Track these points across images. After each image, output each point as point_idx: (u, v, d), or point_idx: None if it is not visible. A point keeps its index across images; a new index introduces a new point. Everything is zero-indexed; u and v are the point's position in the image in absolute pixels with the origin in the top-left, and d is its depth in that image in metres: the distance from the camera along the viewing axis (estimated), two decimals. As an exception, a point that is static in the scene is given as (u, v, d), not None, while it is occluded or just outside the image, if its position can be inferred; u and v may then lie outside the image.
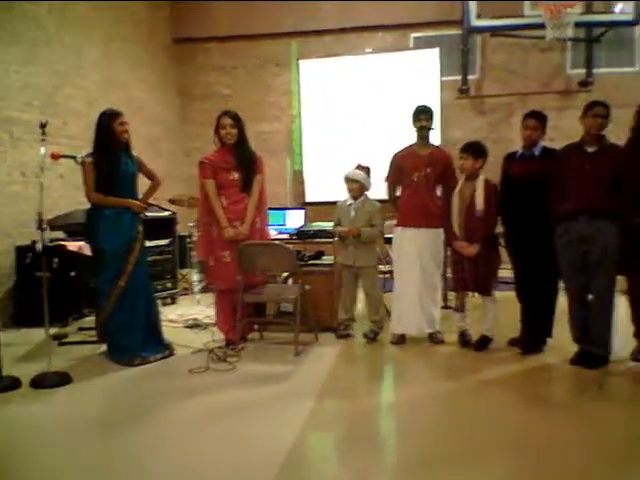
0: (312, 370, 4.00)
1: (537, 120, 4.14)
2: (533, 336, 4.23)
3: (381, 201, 4.75)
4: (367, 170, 4.73)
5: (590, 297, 3.77)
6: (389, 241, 4.90)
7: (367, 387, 3.75)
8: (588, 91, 7.68)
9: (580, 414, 3.17)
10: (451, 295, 4.80)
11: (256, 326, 4.89)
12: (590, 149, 3.82)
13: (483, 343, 4.33)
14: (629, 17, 6.94)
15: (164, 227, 6.32)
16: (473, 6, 7.13)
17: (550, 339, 4.24)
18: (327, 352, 4.40)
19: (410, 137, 4.62)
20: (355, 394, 3.56)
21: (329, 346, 4.55)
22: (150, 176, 4.50)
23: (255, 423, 3.11)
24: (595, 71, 7.79)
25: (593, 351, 3.85)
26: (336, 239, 4.83)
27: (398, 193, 4.69)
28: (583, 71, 7.83)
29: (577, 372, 3.80)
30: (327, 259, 5.07)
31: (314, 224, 5.53)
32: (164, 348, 4.37)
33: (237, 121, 4.47)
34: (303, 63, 8.04)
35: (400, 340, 4.59)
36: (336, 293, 4.83)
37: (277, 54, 8.49)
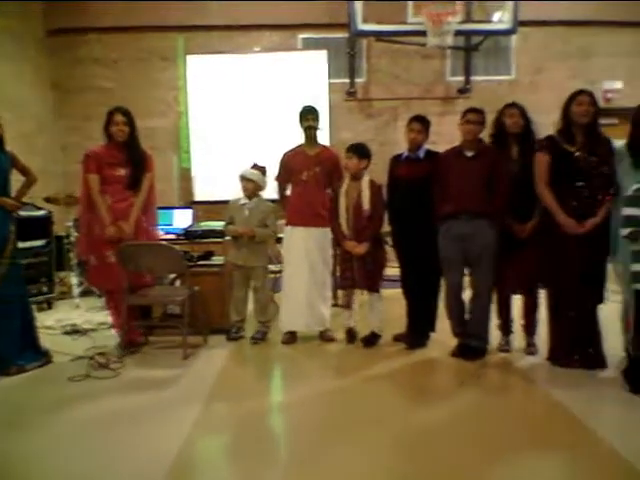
0: (200, 373, 3.91)
1: (421, 124, 4.30)
2: (418, 331, 4.39)
3: (272, 201, 4.74)
4: (263, 170, 4.69)
5: (469, 293, 3.98)
6: (280, 240, 4.90)
7: (257, 388, 3.72)
8: (467, 97, 8.08)
9: (460, 404, 3.32)
10: (340, 293, 4.87)
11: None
12: (468, 153, 4.02)
13: (372, 340, 4.43)
14: (506, 26, 7.35)
15: (39, 227, 5.93)
16: (359, 10, 7.27)
17: (434, 333, 4.41)
18: (217, 354, 4.31)
19: (300, 137, 4.65)
20: (244, 396, 3.52)
21: (219, 348, 4.47)
22: (24, 172, 4.21)
23: (140, 430, 2.99)
24: (473, 78, 8.21)
25: (472, 344, 4.05)
26: (227, 239, 4.75)
27: (288, 192, 4.70)
28: (462, 78, 8.23)
29: (458, 364, 3.98)
30: (217, 259, 4.97)
31: (203, 224, 5.42)
32: (42, 356, 4.10)
33: (129, 118, 4.32)
34: (191, 59, 7.85)
35: (290, 339, 4.59)
36: (227, 294, 4.75)
37: (164, 48, 8.23)
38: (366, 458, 2.67)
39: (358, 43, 8.14)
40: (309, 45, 8.21)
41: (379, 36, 7.75)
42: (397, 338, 4.48)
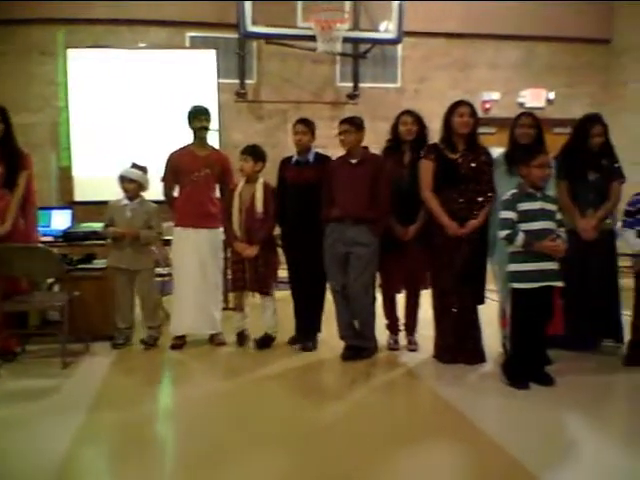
0: (82, 382, 3.70)
1: (305, 125, 4.34)
2: (307, 333, 4.42)
3: (156, 202, 4.57)
4: (144, 170, 4.52)
5: (351, 296, 4.05)
6: (168, 243, 4.74)
7: (144, 394, 3.57)
8: (355, 104, 8.26)
9: (350, 402, 3.37)
10: (232, 296, 4.80)
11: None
12: (353, 160, 4.10)
13: (265, 342, 4.40)
14: (391, 36, 7.59)
15: None
16: (248, 12, 7.22)
17: (320, 334, 4.45)
18: (100, 362, 4.10)
19: (186, 137, 4.53)
20: (131, 402, 3.37)
21: (103, 356, 4.25)
22: None
23: (17, 442, 2.78)
24: (361, 85, 8.40)
25: (359, 345, 4.13)
26: (109, 241, 4.53)
27: (176, 194, 4.57)
28: (351, 84, 8.40)
29: (348, 364, 4.04)
30: (99, 263, 4.73)
31: (83, 225, 5.14)
32: None
33: (4, 114, 4.05)
34: (72, 53, 7.43)
35: (179, 344, 4.46)
36: (110, 299, 4.53)
37: (43, 42, 7.73)
38: (257, 460, 2.64)
39: (248, 44, 8.08)
40: (197, 44, 8.03)
41: (269, 39, 7.74)
42: (291, 341, 4.48)
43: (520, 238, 3.44)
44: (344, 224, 4.01)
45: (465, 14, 8.35)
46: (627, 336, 4.12)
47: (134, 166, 4.48)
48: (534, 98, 8.74)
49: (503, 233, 3.52)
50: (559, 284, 3.50)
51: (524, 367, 3.57)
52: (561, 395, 3.42)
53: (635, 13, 8.56)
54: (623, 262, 4.45)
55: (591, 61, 8.95)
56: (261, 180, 4.34)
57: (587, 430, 2.97)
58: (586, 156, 4.13)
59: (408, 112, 4.22)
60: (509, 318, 3.67)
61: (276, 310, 4.43)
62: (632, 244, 3.92)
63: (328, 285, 4.25)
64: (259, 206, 4.26)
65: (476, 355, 3.97)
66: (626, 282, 4.36)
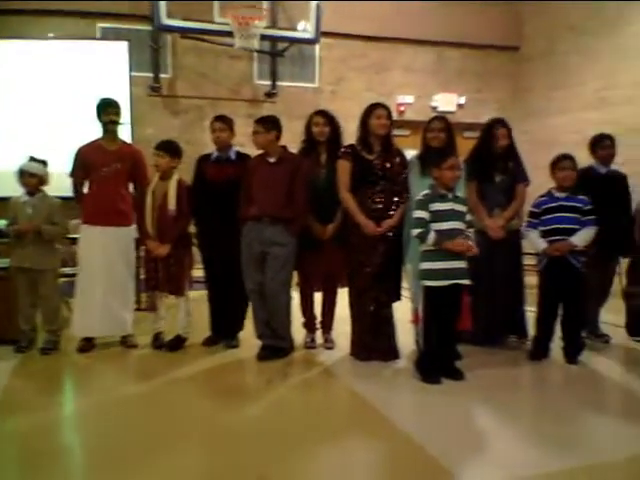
0: (-21, 390, 3.48)
1: (223, 122, 4.28)
2: (224, 332, 4.36)
3: (64, 198, 4.36)
4: (44, 163, 4.28)
5: (268, 295, 4.03)
6: (76, 241, 4.53)
7: (48, 400, 3.39)
8: (273, 102, 8.23)
9: (267, 402, 3.35)
10: (145, 296, 4.65)
11: None
12: (271, 159, 4.08)
13: (177, 343, 4.30)
14: (309, 36, 7.61)
15: None
16: (163, 4, 7.03)
17: (242, 332, 4.41)
18: (0, 367, 3.87)
19: (96, 131, 4.35)
20: (33, 410, 3.19)
21: (4, 361, 4.01)
22: None
23: None
24: (280, 83, 8.38)
25: (275, 345, 4.11)
26: (10, 239, 4.26)
27: (86, 190, 4.38)
28: (269, 82, 8.36)
29: (265, 364, 4.01)
30: (2, 262, 4.45)
31: (-16, 223, 4.83)
32: None
33: None
34: (-28, 41, 6.97)
35: (87, 347, 4.27)
36: (15, 301, 4.27)
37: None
38: (172, 463, 2.57)
39: (163, 37, 7.87)
40: (109, 35, 7.74)
41: (184, 33, 7.57)
42: (206, 342, 4.40)
43: (432, 237, 3.54)
44: (261, 223, 3.98)
45: (381, 18, 8.50)
46: (531, 332, 4.32)
47: (32, 159, 4.23)
48: (446, 102, 9.03)
49: (416, 232, 3.60)
50: (467, 282, 3.62)
51: (436, 363, 3.67)
52: (471, 389, 3.54)
53: (542, 21, 9.01)
54: (528, 261, 4.67)
55: (500, 68, 9.35)
56: (176, 177, 4.23)
57: (497, 423, 3.08)
58: (493, 159, 4.30)
59: (320, 112, 4.24)
60: (421, 315, 3.76)
61: (190, 311, 4.33)
62: (536, 244, 4.11)
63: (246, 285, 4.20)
64: (172, 203, 4.15)
65: (391, 352, 4.05)
66: (530, 280, 4.58)
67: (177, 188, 4.18)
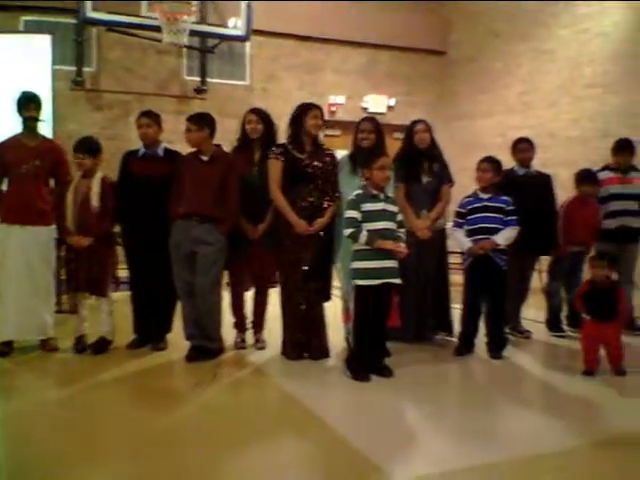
0: None
1: (149, 118, 4.19)
2: (151, 334, 4.25)
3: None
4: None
5: (198, 295, 3.96)
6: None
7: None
8: (203, 99, 8.10)
9: (196, 404, 3.28)
10: (66, 298, 4.47)
11: None
12: (203, 157, 4.01)
13: (101, 346, 4.15)
14: (240, 33, 7.53)
15: None
16: (89, -3, 6.82)
17: (170, 334, 4.31)
18: None
19: (17, 126, 4.15)
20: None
21: None
22: None
23: None
24: (210, 80, 8.26)
25: (205, 345, 4.04)
26: None
27: (4, 187, 4.17)
28: (199, 79, 8.22)
29: (194, 365, 3.93)
30: None
31: None
32: None
33: None
34: None
35: (6, 350, 4.06)
36: None
37: None
38: (99, 471, 2.48)
39: (88, 31, 7.60)
40: (32, 28, 7.39)
41: (110, 26, 7.34)
42: (131, 345, 4.27)
43: (364, 236, 3.57)
44: (190, 221, 3.91)
45: (313, 18, 8.54)
46: (457, 329, 4.43)
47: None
48: (376, 103, 9.16)
49: (348, 231, 3.62)
50: (397, 281, 3.68)
51: (366, 360, 3.70)
52: (400, 386, 3.59)
53: (468, 28, 9.28)
54: (453, 259, 4.80)
55: (428, 71, 9.57)
56: (99, 174, 4.09)
57: (425, 419, 3.14)
58: (418, 160, 4.39)
59: (254, 110, 4.22)
60: (352, 314, 3.78)
61: (113, 312, 4.19)
62: (461, 243, 4.22)
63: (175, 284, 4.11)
64: (95, 200, 4.01)
65: (321, 351, 4.06)
66: (455, 278, 4.71)
67: (101, 185, 4.05)
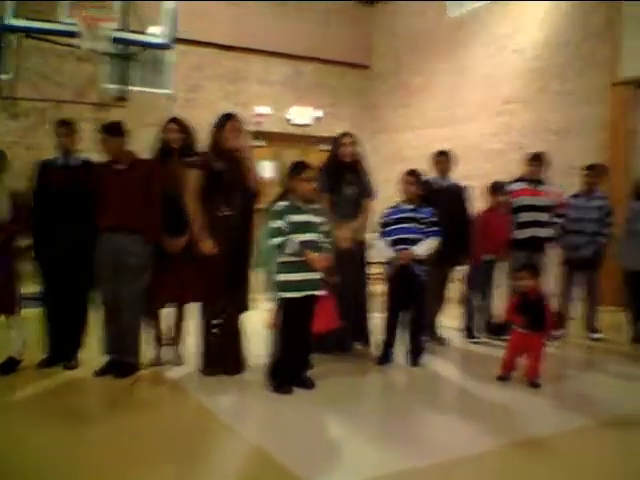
0: None
1: (67, 127, 4.08)
2: (69, 350, 4.07)
3: None
4: None
5: (121, 308, 3.85)
6: None
7: None
8: (123, 107, 7.88)
9: (112, 423, 3.17)
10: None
11: None
12: (120, 166, 3.91)
13: (9, 366, 3.93)
14: (163, 40, 7.38)
15: None
16: (10, 4, 6.53)
17: (82, 351, 4.14)
18: None
19: None
20: None
21: None
22: None
23: None
24: (131, 88, 8.04)
25: (122, 360, 3.92)
26: None
27: None
28: (119, 86, 8.00)
29: (108, 382, 3.81)
30: None
31: None
32: None
33: None
34: None
35: None
36: None
37: None
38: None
39: (5, 37, 7.26)
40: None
41: (29, 32, 7.05)
42: (42, 363, 4.06)
43: (291, 246, 3.55)
44: (116, 233, 3.81)
45: (237, 27, 8.49)
46: (374, 338, 4.47)
47: None
48: (302, 115, 9.20)
49: (274, 242, 3.60)
50: (322, 293, 3.68)
51: (289, 373, 3.68)
52: (321, 397, 3.59)
53: (390, 42, 9.50)
54: (373, 270, 4.86)
55: (353, 84, 9.70)
56: (6, 183, 3.90)
57: (348, 428, 3.16)
58: (342, 171, 4.44)
59: (174, 120, 4.15)
60: (277, 326, 3.75)
61: (22, 330, 3.98)
62: (384, 253, 4.28)
63: (99, 297, 3.96)
64: (2, 212, 3.81)
65: (238, 365, 3.99)
66: (375, 288, 4.76)
67: (10, 195, 3.86)
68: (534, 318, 3.83)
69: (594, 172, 5.20)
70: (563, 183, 5.37)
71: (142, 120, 6.64)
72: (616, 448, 2.98)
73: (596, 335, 5.20)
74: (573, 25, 7.16)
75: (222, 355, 3.96)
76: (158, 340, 4.26)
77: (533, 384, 3.82)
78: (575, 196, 5.22)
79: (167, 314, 4.27)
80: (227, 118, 3.97)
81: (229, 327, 3.96)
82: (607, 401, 3.65)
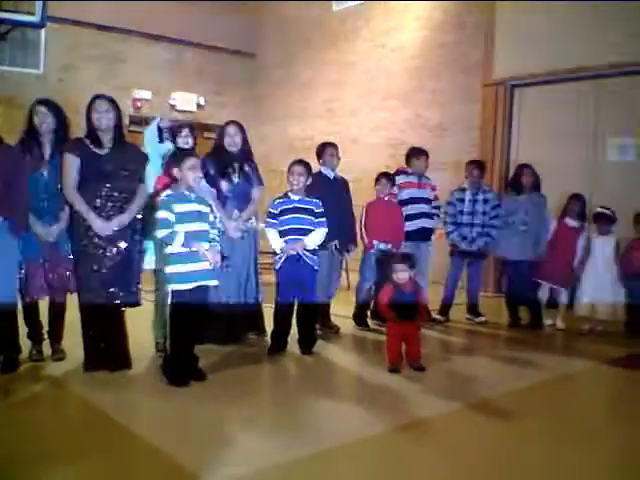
0: None
1: None
2: None
3: None
4: None
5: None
6: None
7: None
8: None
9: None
10: None
11: None
12: None
13: None
14: (34, 19, 6.89)
15: None
16: None
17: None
18: None
19: None
20: None
21: None
22: None
23: None
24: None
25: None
26: None
27: None
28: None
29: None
30: None
31: None
32: None
33: None
34: None
35: None
36: None
37: None
38: None
39: None
40: None
41: None
42: None
43: (179, 238, 3.46)
44: None
45: (117, 8, 8.12)
46: (268, 328, 4.49)
47: None
48: (185, 101, 8.99)
49: (162, 233, 3.48)
50: (213, 283, 3.63)
51: (183, 365, 3.60)
52: (214, 389, 3.53)
53: (279, 33, 9.51)
54: (264, 260, 4.86)
55: (239, 72, 9.62)
56: None
57: (241, 420, 3.13)
58: (230, 161, 4.38)
59: (42, 101, 3.84)
60: (168, 318, 3.64)
61: None
62: (274, 243, 4.29)
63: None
64: None
65: (125, 359, 3.84)
66: (267, 278, 4.77)
67: None
68: (406, 307, 3.96)
69: (476, 167, 5.52)
70: (435, 177, 5.65)
71: (11, 101, 6.17)
72: (483, 430, 3.17)
73: (479, 319, 5.56)
74: (449, 27, 7.56)
75: (106, 350, 3.78)
76: (36, 335, 3.98)
77: (418, 368, 3.99)
78: (462, 190, 5.51)
79: (48, 307, 3.99)
80: (94, 99, 3.75)
81: (114, 320, 3.78)
82: (484, 383, 3.87)
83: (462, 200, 5.45)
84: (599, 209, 5.30)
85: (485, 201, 5.46)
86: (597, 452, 2.90)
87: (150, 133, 4.36)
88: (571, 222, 5.33)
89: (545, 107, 6.79)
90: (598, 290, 5.11)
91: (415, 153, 5.41)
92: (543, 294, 5.40)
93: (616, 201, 5.48)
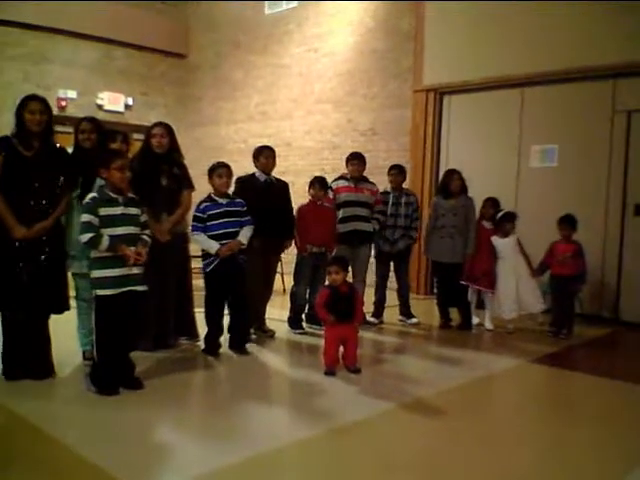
0: None
1: None
2: None
3: None
4: None
5: None
6: None
7: None
8: None
9: None
10: None
11: None
12: None
13: None
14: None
15: None
16: None
17: None
18: None
19: None
20: None
21: None
22: None
23: None
24: None
25: None
26: None
27: None
28: None
29: None
30: None
31: None
32: None
33: None
34: None
35: None
36: None
37: None
38: None
39: None
40: None
41: None
42: None
43: (105, 242, 3.34)
44: None
45: (41, 6, 7.82)
46: (201, 332, 4.42)
47: None
48: (112, 101, 8.75)
49: (86, 237, 3.35)
50: (142, 288, 3.52)
51: (113, 373, 3.47)
52: (145, 396, 3.44)
53: (210, 35, 9.39)
54: (194, 264, 4.77)
55: (168, 73, 9.44)
56: None
57: (174, 428, 3.07)
58: (158, 163, 4.28)
59: None
60: (93, 326, 3.50)
61: None
62: (208, 246, 4.21)
63: None
64: None
65: (47, 368, 3.69)
66: (198, 282, 4.68)
67: None
68: (343, 310, 3.98)
69: (398, 171, 5.62)
70: (377, 182, 5.71)
71: None
72: (414, 430, 3.21)
73: (412, 320, 5.64)
74: (380, 34, 7.67)
75: (27, 357, 3.61)
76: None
77: (355, 370, 4.01)
78: (386, 193, 5.59)
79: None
80: (27, 101, 3.61)
81: (36, 328, 3.62)
82: (418, 383, 3.93)
83: (385, 203, 5.54)
84: (505, 210, 5.49)
85: (407, 204, 5.57)
86: (522, 450, 2.99)
87: None
88: (486, 224, 5.49)
89: (473, 114, 6.98)
90: (517, 304, 5.31)
91: (350, 158, 5.46)
92: (472, 296, 5.55)
93: (539, 205, 5.68)
